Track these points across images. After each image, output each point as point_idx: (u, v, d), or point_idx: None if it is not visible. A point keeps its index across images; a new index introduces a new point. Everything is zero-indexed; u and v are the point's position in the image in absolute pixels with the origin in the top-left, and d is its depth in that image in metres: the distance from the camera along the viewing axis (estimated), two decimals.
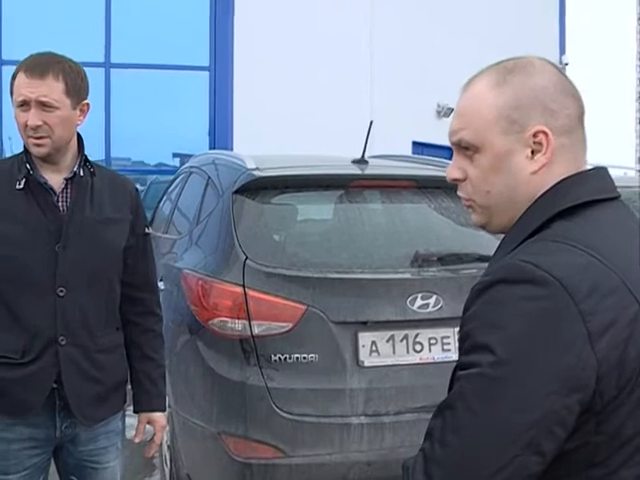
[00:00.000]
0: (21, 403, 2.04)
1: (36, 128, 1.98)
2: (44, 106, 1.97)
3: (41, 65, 1.99)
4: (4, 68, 8.90)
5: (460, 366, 1.06)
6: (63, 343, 2.04)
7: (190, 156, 5.70)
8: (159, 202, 5.40)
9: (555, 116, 1.14)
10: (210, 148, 9.11)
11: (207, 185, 3.81)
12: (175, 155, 10.06)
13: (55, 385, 2.06)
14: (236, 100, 9.52)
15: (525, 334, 1.00)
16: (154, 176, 9.67)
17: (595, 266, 1.03)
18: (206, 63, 9.66)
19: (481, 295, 1.05)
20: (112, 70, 9.31)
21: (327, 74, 9.36)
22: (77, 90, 2.04)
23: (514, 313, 1.01)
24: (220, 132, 9.56)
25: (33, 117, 1.97)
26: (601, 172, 1.18)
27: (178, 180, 4.91)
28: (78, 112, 2.06)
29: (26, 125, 1.99)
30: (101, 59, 9.23)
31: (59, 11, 9.09)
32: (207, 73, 9.67)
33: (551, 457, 1.01)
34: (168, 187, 5.29)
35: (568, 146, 1.15)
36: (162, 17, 9.36)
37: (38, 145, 2.01)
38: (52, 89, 1.97)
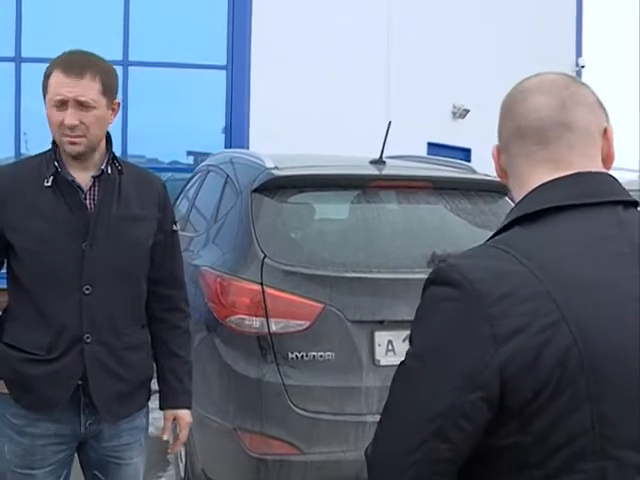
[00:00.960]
0: (46, 399, 2.05)
1: (73, 127, 1.98)
2: (82, 106, 1.98)
3: (79, 65, 1.99)
4: (23, 65, 8.97)
5: None
6: (89, 341, 2.05)
7: (204, 154, 5.72)
8: (176, 200, 5.43)
9: (499, 137, 1.28)
10: (226, 147, 9.14)
11: (225, 183, 3.84)
12: (189, 153, 10.08)
13: (80, 382, 2.06)
14: (253, 99, 9.53)
15: (437, 331, 1.11)
16: (169, 174, 9.70)
17: (517, 274, 1.08)
18: (223, 62, 9.68)
19: (423, 293, 1.18)
20: (130, 68, 9.35)
21: (344, 74, 9.35)
22: (111, 89, 2.05)
23: (433, 311, 1.13)
24: (236, 130, 9.58)
25: (70, 116, 1.98)
26: (580, 177, 1.16)
27: (195, 178, 4.94)
28: (110, 111, 2.08)
29: (61, 124, 1.99)
30: (119, 57, 9.27)
31: (78, 9, 9.13)
32: (224, 72, 9.70)
33: (465, 445, 1.08)
34: (185, 185, 5.31)
35: (510, 159, 1.25)
36: (180, 16, 9.39)
37: (73, 143, 2.02)
38: (90, 89, 1.98)
